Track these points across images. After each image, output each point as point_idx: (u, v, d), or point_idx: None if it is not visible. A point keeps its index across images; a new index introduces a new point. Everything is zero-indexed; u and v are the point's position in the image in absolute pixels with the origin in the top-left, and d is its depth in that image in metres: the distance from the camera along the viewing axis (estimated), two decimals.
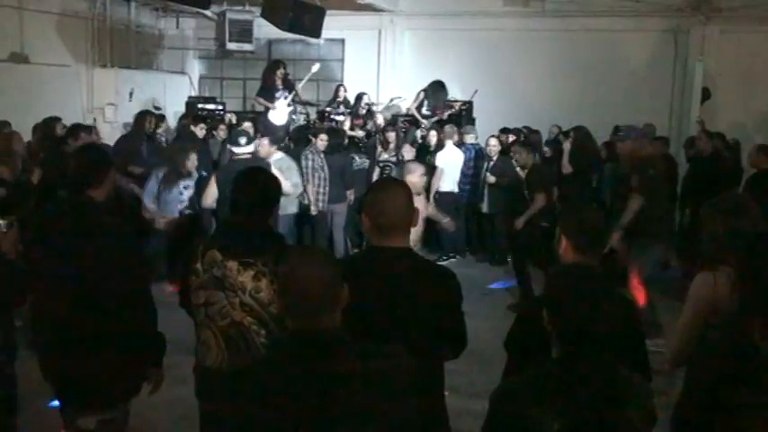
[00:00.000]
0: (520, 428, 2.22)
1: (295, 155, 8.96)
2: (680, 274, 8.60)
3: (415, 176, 6.14)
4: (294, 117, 11.86)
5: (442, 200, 10.05)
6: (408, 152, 10.33)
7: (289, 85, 11.59)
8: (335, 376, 2.15)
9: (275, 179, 3.51)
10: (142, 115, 9.98)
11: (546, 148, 10.76)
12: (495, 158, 10.00)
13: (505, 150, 10.05)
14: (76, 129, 8.68)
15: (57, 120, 9.17)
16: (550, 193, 8.68)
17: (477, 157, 10.47)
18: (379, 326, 2.75)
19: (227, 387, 2.47)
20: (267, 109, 11.46)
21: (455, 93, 12.33)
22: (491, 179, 9.91)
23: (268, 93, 11.57)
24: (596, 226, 3.09)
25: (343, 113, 11.85)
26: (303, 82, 11.84)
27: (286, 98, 11.42)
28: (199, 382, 3.43)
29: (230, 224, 3.42)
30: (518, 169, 9.37)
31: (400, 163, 10.21)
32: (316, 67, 11.83)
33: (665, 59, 12.61)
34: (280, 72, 11.57)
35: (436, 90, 12.00)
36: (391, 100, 13.10)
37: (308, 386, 2.13)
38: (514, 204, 10.08)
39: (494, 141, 10.08)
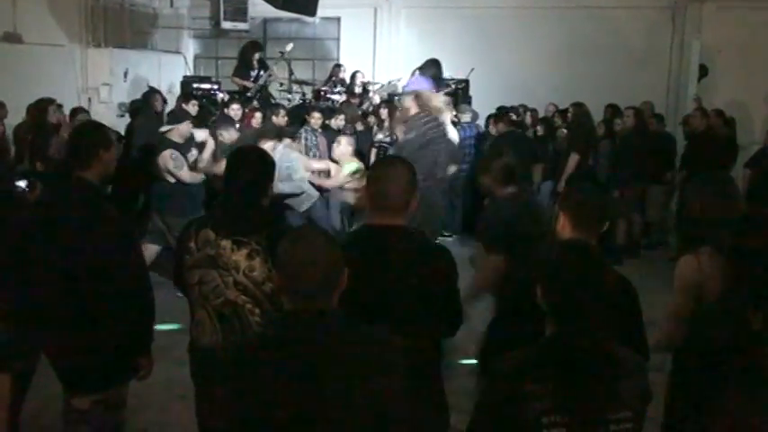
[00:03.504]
0: (513, 405, 2.22)
1: (291, 134, 8.94)
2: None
3: (342, 147, 6.69)
4: (290, 97, 11.87)
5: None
6: (401, 132, 10.28)
7: (263, 65, 11.68)
8: (331, 357, 2.15)
9: (269, 157, 3.48)
10: (152, 94, 9.96)
11: (539, 127, 10.75)
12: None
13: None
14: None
15: (49, 101, 9.05)
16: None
17: (476, 135, 10.46)
18: (374, 303, 2.75)
19: (220, 366, 2.47)
20: (245, 88, 11.49)
21: (451, 71, 12.24)
22: None
23: (244, 74, 11.71)
24: (594, 203, 3.08)
25: (339, 93, 11.81)
26: (277, 61, 11.83)
27: (261, 77, 11.56)
28: (193, 362, 3.42)
29: (224, 203, 3.39)
30: None
31: (395, 143, 10.19)
32: (290, 47, 11.79)
33: (663, 36, 12.54)
34: (257, 54, 11.67)
35: (430, 68, 11.92)
36: (389, 83, 13.03)
37: (302, 365, 2.13)
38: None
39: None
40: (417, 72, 11.99)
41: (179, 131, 7.39)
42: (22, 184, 3.43)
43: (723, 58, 12.15)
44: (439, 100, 6.37)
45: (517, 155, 4.91)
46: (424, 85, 7.39)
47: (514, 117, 10.47)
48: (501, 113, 10.39)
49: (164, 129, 7.51)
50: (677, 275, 3.30)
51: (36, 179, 3.64)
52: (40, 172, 7.51)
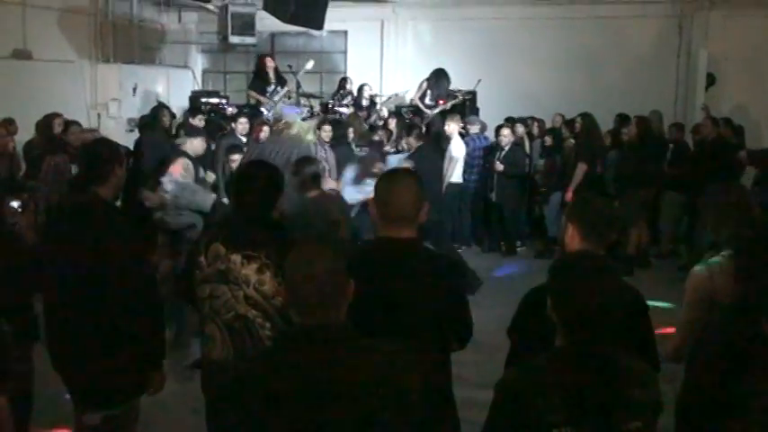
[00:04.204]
0: (524, 418, 2.21)
1: None
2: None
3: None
4: (298, 110, 11.91)
5: (449, 190, 10.06)
6: (411, 143, 10.31)
7: (281, 80, 11.67)
8: (337, 371, 2.15)
9: (277, 171, 3.49)
10: (160, 109, 10.01)
11: (547, 137, 10.76)
12: (506, 148, 10.02)
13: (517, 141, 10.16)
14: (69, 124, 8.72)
15: (56, 116, 9.12)
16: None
17: (484, 147, 10.47)
18: (384, 316, 2.75)
19: (230, 380, 2.47)
20: (258, 102, 11.57)
21: (459, 83, 12.28)
22: (499, 167, 9.93)
23: (260, 86, 11.72)
24: (602, 213, 3.07)
25: (347, 105, 11.85)
26: (299, 77, 11.88)
27: (278, 93, 11.55)
28: (204, 376, 3.43)
29: (234, 217, 3.41)
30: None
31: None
32: (310, 65, 11.88)
33: (670, 46, 12.55)
34: (269, 63, 11.68)
35: (439, 78, 11.96)
36: (396, 94, 13.08)
37: (308, 380, 2.14)
38: (522, 194, 10.18)
39: (506, 131, 10.12)
40: (425, 83, 12.04)
41: (192, 146, 7.45)
42: (14, 204, 3.43)
43: (730, 66, 12.13)
44: (292, 131, 6.98)
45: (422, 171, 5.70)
46: (290, 114, 7.69)
47: (423, 130, 10.16)
48: (410, 126, 10.21)
49: (179, 141, 7.57)
50: (688, 287, 3.29)
51: (31, 198, 3.65)
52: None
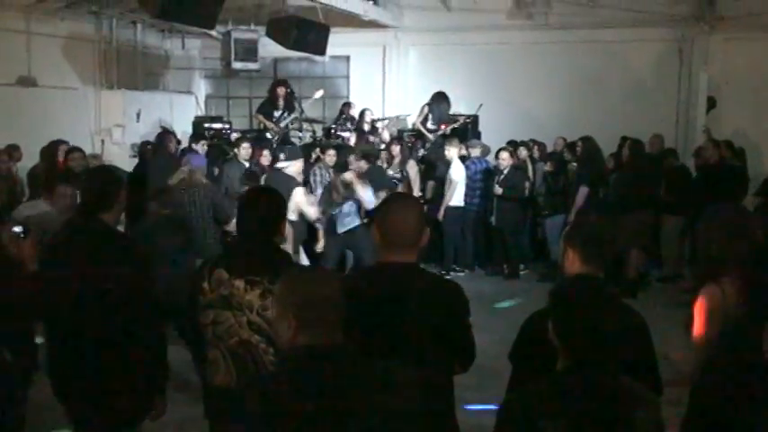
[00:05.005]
0: None
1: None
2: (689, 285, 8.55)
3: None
4: (300, 135, 12.00)
5: (450, 214, 10.09)
6: (412, 168, 10.37)
7: (290, 107, 11.75)
8: (341, 392, 2.17)
9: (280, 198, 3.52)
10: (166, 135, 10.07)
11: (548, 163, 10.77)
12: (505, 172, 10.05)
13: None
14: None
15: (60, 143, 9.15)
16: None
17: (485, 170, 10.51)
18: (387, 340, 2.76)
19: (234, 405, 2.48)
20: (265, 128, 11.65)
21: (460, 107, 12.35)
22: (498, 190, 9.95)
23: (268, 111, 11.79)
24: (602, 236, 3.09)
25: (349, 130, 11.91)
26: (306, 105, 11.99)
27: (284, 119, 11.68)
28: (207, 402, 3.43)
29: (237, 243, 3.43)
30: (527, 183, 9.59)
31: (405, 179, 10.26)
32: (319, 94, 12.01)
33: (670, 69, 12.60)
34: (281, 90, 11.76)
35: (439, 102, 12.03)
36: (397, 117, 13.15)
37: (313, 401, 2.15)
38: (523, 217, 10.18)
39: (505, 155, 10.16)
40: (426, 107, 12.09)
41: (296, 168, 7.91)
42: (17, 229, 3.45)
43: (730, 89, 12.17)
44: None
45: None
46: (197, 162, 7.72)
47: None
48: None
49: (280, 164, 8.16)
50: (701, 306, 3.26)
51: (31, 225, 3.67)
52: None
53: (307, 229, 8.31)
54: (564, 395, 2.25)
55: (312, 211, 7.85)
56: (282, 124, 11.73)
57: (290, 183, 7.73)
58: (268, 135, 11.55)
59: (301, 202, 7.77)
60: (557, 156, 10.81)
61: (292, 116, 11.76)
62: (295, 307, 2.28)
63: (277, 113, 11.84)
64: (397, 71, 14.00)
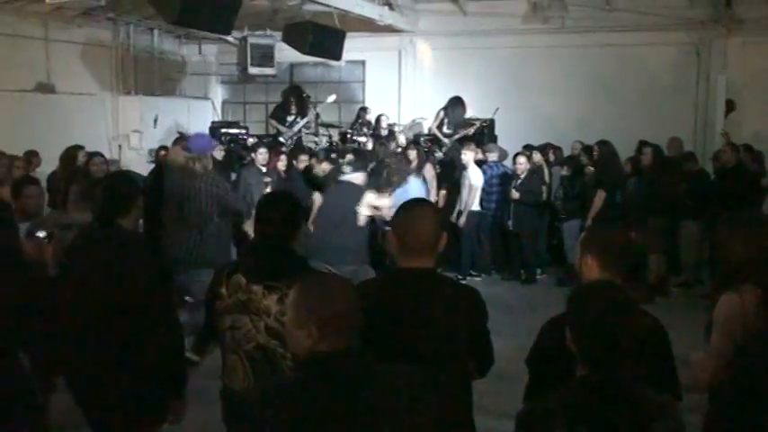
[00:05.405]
0: None
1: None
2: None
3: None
4: (316, 139, 12.04)
5: (467, 218, 10.07)
6: (429, 171, 10.35)
7: (302, 112, 11.81)
8: (358, 397, 2.16)
9: (298, 202, 3.53)
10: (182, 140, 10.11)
11: (565, 167, 10.73)
12: (522, 177, 10.03)
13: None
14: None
15: (79, 148, 9.21)
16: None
17: (502, 175, 10.48)
18: (406, 346, 2.76)
19: (253, 410, 2.48)
20: (278, 132, 11.71)
21: (477, 111, 12.34)
22: (515, 195, 9.93)
23: (281, 116, 11.92)
24: (619, 242, 3.07)
25: (365, 135, 11.92)
26: (319, 109, 12.03)
27: (297, 124, 11.80)
28: (225, 407, 3.43)
29: (255, 248, 3.43)
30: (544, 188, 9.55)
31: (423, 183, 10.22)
32: (332, 98, 12.03)
33: (688, 72, 12.53)
34: (293, 97, 11.85)
35: (454, 106, 12.02)
36: (413, 121, 13.14)
37: (332, 407, 2.15)
38: (540, 221, 10.15)
39: (522, 159, 10.14)
40: (442, 112, 12.08)
41: (363, 179, 7.75)
42: (41, 234, 3.49)
43: (749, 92, 12.09)
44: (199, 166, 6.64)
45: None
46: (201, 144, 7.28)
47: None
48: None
49: (345, 177, 7.83)
50: (719, 314, 3.24)
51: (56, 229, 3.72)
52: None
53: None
54: (583, 402, 2.23)
55: (386, 202, 7.78)
56: (295, 129, 11.78)
57: (359, 192, 7.67)
58: (281, 140, 11.60)
59: (371, 199, 7.71)
60: (574, 160, 10.76)
61: (305, 120, 11.81)
62: (318, 318, 2.27)
63: (290, 118, 11.90)
64: (413, 76, 14.01)
